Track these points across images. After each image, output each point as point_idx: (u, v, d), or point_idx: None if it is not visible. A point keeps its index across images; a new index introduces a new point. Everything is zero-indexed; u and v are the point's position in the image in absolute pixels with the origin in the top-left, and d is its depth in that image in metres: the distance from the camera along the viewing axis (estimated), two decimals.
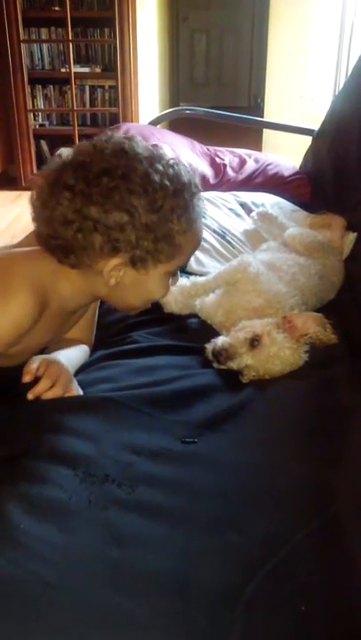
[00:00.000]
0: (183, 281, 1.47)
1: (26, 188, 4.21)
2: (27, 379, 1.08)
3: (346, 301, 1.57)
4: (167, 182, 0.99)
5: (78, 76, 4.36)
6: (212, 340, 1.26)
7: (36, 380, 1.07)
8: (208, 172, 2.41)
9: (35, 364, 1.09)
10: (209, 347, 1.25)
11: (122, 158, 0.98)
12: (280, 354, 1.20)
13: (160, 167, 1.00)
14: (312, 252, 1.64)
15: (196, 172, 1.11)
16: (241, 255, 1.57)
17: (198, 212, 1.06)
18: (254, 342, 1.21)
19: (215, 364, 1.24)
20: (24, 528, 0.80)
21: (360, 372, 1.23)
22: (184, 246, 1.05)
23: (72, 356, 1.19)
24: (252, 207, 2.08)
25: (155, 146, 1.05)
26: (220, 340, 1.24)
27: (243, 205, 2.10)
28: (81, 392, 1.10)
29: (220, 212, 2.02)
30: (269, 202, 2.12)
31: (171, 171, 1.01)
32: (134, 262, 1.02)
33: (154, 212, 0.98)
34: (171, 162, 1.03)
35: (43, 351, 1.18)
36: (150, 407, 1.07)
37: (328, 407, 1.12)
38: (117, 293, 1.09)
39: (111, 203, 0.96)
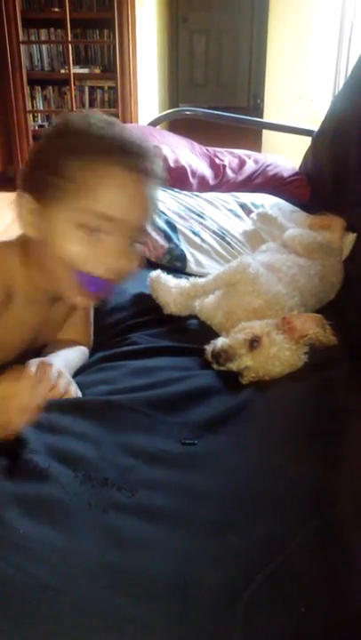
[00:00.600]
0: (183, 282, 1.47)
1: None
2: None
3: (345, 302, 1.57)
4: (86, 127, 0.99)
5: (78, 76, 4.36)
6: (212, 341, 1.26)
7: None
8: (207, 172, 2.41)
9: (32, 367, 1.09)
10: (208, 348, 1.25)
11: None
12: (280, 355, 1.20)
13: (92, 119, 1.00)
14: (312, 253, 1.64)
15: (147, 143, 1.06)
16: (240, 256, 1.57)
17: (111, 159, 0.98)
18: (254, 343, 1.21)
19: (215, 366, 1.23)
20: (23, 532, 0.80)
21: (359, 373, 1.22)
22: (81, 185, 0.97)
23: (69, 358, 1.19)
24: (252, 208, 2.09)
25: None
26: (220, 342, 1.24)
27: (242, 206, 2.10)
28: (80, 394, 1.10)
29: (220, 213, 2.02)
30: (269, 203, 2.12)
31: (104, 126, 1.00)
32: (37, 200, 1.00)
33: (48, 146, 1.00)
34: (109, 120, 1.02)
35: (39, 354, 1.17)
36: (150, 409, 1.07)
37: (328, 409, 1.12)
38: (45, 263, 1.04)
39: (31, 151, 1.04)
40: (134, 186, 0.99)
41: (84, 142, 0.97)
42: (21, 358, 1.17)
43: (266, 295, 1.38)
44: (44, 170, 0.98)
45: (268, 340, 1.21)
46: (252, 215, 2.00)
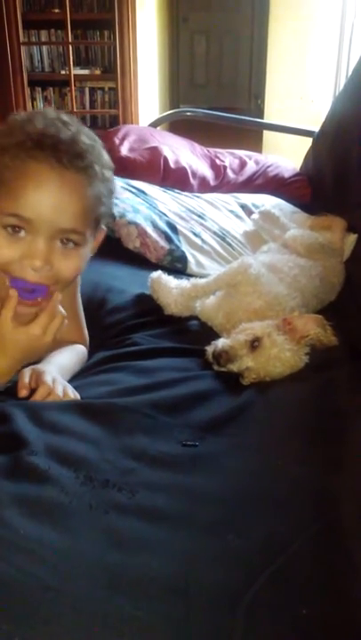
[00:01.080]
0: (183, 282, 1.47)
1: None
2: (23, 393, 1.07)
3: (346, 303, 1.57)
4: (24, 125, 0.96)
5: (78, 78, 4.36)
6: (213, 342, 1.26)
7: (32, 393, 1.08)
8: (208, 173, 2.41)
9: (26, 377, 1.09)
10: (209, 349, 1.25)
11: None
12: (280, 356, 1.20)
13: (36, 118, 0.97)
14: (313, 254, 1.63)
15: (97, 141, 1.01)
16: (241, 257, 1.57)
17: (43, 160, 0.93)
18: (254, 344, 1.21)
19: (215, 367, 1.23)
20: (24, 533, 0.80)
21: (360, 375, 1.22)
22: (5, 183, 0.94)
23: (63, 362, 1.18)
24: (253, 209, 2.09)
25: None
26: (221, 343, 1.24)
27: (243, 207, 2.10)
28: (78, 396, 1.11)
29: (221, 214, 2.02)
30: (270, 203, 2.12)
31: (42, 124, 0.96)
32: None
33: None
34: (61, 120, 0.97)
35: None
36: (151, 410, 1.07)
37: (329, 410, 1.12)
38: None
39: None
40: (58, 183, 0.93)
41: (12, 140, 0.93)
42: None
43: (267, 296, 1.38)
44: None
45: (268, 340, 1.21)
46: (254, 215, 2.00)
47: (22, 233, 0.95)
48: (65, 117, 0.98)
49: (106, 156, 1.02)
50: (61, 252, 0.98)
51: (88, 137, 0.98)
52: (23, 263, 0.96)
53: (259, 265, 1.46)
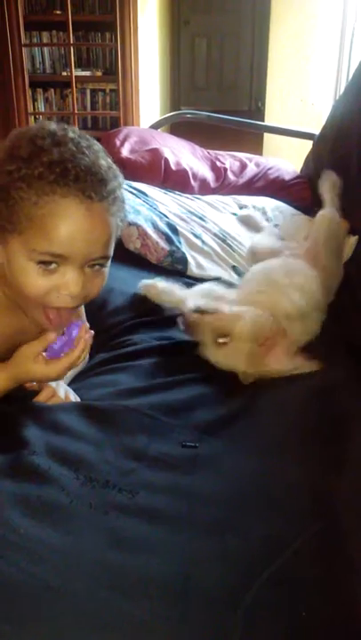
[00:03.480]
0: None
1: None
2: (33, 386, 1.11)
3: (346, 304, 1.57)
4: (37, 152, 0.93)
5: (79, 79, 4.36)
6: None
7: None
8: (209, 175, 2.41)
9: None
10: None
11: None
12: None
13: (46, 141, 0.94)
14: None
15: (115, 170, 1.00)
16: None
17: (69, 196, 0.93)
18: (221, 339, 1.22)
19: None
20: (24, 533, 0.80)
21: (359, 376, 1.23)
22: (34, 220, 0.93)
23: None
24: (253, 211, 2.09)
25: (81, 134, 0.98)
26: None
27: (244, 209, 2.11)
28: (78, 399, 1.11)
29: (221, 216, 2.02)
30: (270, 206, 2.13)
31: (55, 150, 0.93)
32: None
33: (4, 172, 0.93)
34: (81, 145, 0.95)
35: None
36: (151, 411, 1.07)
37: (328, 411, 1.12)
38: (11, 283, 1.02)
39: None
40: (87, 216, 0.94)
41: (31, 170, 0.91)
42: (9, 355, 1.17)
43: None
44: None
45: (237, 341, 1.22)
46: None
47: (53, 265, 0.96)
48: (71, 134, 0.96)
49: (119, 173, 1.02)
50: (91, 274, 1.00)
51: (104, 158, 0.98)
52: (60, 293, 0.98)
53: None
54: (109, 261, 1.04)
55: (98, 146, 0.99)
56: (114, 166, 1.00)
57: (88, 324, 1.06)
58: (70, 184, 0.92)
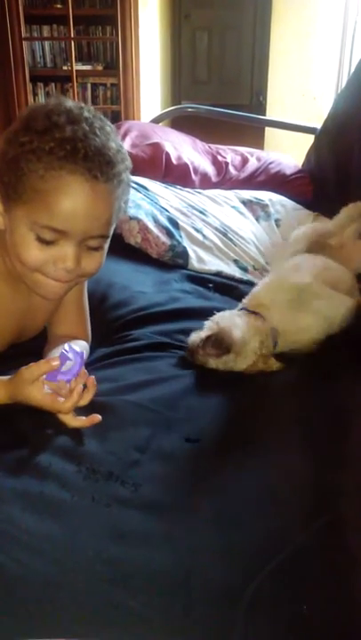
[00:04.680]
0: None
1: None
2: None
3: None
4: (51, 127, 0.94)
5: (80, 73, 4.35)
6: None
7: None
8: (210, 170, 2.41)
9: None
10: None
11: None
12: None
13: (61, 118, 0.95)
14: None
15: (125, 155, 1.01)
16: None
17: (78, 171, 0.93)
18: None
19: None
20: (25, 527, 0.80)
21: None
22: (39, 193, 0.94)
23: None
24: (255, 203, 2.09)
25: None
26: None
27: (245, 203, 2.10)
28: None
29: (222, 210, 2.02)
30: (272, 200, 2.12)
31: (69, 128, 0.94)
32: (2, 195, 0.99)
33: (19, 145, 0.94)
34: (93, 120, 0.97)
35: (30, 348, 1.18)
36: (154, 405, 1.07)
37: (331, 406, 1.12)
38: (11, 254, 1.03)
39: (1, 139, 0.98)
40: (91, 195, 0.95)
41: (43, 144, 0.93)
42: (13, 350, 1.17)
43: None
44: (7, 167, 0.96)
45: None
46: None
47: (58, 241, 0.98)
48: (86, 113, 0.98)
49: (127, 157, 1.03)
50: (88, 252, 1.02)
51: (114, 141, 0.99)
52: (57, 265, 1.00)
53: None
54: (108, 242, 1.05)
55: (110, 127, 1.00)
56: (123, 150, 1.01)
57: (87, 372, 1.03)
58: (79, 162, 0.93)
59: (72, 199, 0.94)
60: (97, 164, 0.94)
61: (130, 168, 1.04)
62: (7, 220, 1.01)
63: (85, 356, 1.26)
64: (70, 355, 0.99)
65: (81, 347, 1.25)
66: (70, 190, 0.94)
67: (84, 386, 1.00)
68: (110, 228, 1.03)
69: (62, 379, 0.99)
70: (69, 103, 0.98)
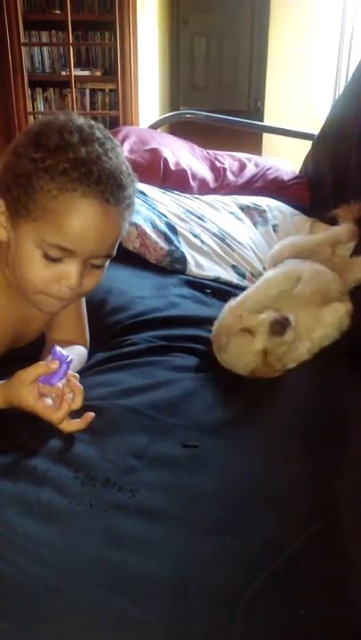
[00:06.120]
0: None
1: None
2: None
3: None
4: (64, 146, 0.95)
5: (78, 79, 4.37)
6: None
7: None
8: (208, 175, 2.41)
9: None
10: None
11: (48, 124, 0.99)
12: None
13: (74, 137, 0.96)
14: None
15: (133, 176, 1.04)
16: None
17: (90, 193, 0.95)
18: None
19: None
20: (23, 532, 0.80)
21: (358, 376, 1.22)
22: (50, 212, 0.95)
23: None
24: (253, 209, 2.09)
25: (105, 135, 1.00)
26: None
27: (243, 209, 2.11)
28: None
29: (220, 216, 2.02)
30: (270, 206, 2.13)
31: (82, 149, 0.95)
32: (9, 209, 0.99)
33: (30, 162, 0.94)
34: (103, 144, 0.97)
35: (26, 355, 1.18)
36: (152, 411, 1.07)
37: (329, 411, 1.12)
38: (12, 264, 1.04)
39: (14, 145, 0.98)
40: (102, 218, 0.97)
41: (56, 163, 0.93)
42: (9, 356, 1.17)
43: None
44: (17, 182, 0.96)
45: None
46: None
47: (64, 260, 1.00)
48: (98, 133, 0.99)
49: (135, 179, 1.05)
50: (90, 270, 1.04)
51: (124, 163, 1.01)
52: (61, 283, 1.01)
53: None
54: (108, 261, 1.07)
55: (120, 148, 1.02)
56: (132, 172, 1.03)
57: (78, 376, 1.04)
58: (92, 185, 0.94)
59: (83, 221, 0.96)
60: (109, 188, 0.96)
61: (137, 191, 1.06)
62: (12, 233, 1.01)
63: (84, 361, 1.27)
64: (58, 353, 1.00)
65: (80, 353, 1.26)
66: (82, 212, 0.95)
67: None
68: (115, 248, 1.05)
69: (51, 382, 0.99)
70: (80, 120, 1.00)
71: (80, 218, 0.95)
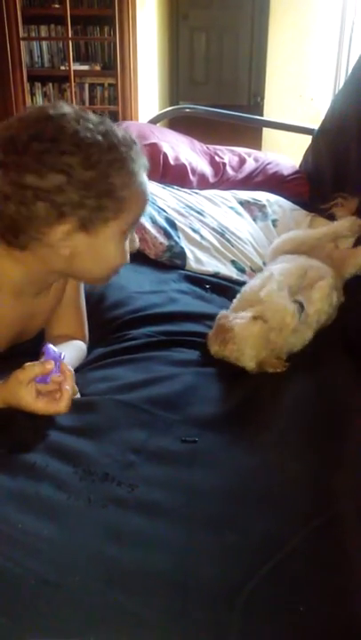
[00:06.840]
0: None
1: None
2: None
3: (345, 302, 1.57)
4: (99, 137, 0.98)
5: (78, 73, 4.35)
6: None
7: None
8: (208, 170, 2.41)
9: None
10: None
11: (48, 121, 0.98)
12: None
13: (90, 125, 0.99)
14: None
15: (128, 129, 1.11)
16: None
17: (139, 164, 1.04)
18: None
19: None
20: (22, 527, 0.80)
21: (358, 372, 1.22)
22: (129, 200, 1.02)
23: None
24: (253, 203, 2.09)
25: (82, 108, 1.03)
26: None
27: (242, 203, 2.10)
28: (78, 395, 1.11)
29: (220, 211, 2.02)
30: (270, 200, 2.12)
31: (101, 127, 1.00)
32: (83, 225, 1.00)
33: (90, 167, 0.96)
34: (99, 119, 1.02)
35: (28, 349, 1.18)
36: (151, 406, 1.07)
37: (328, 407, 1.12)
38: (77, 265, 1.07)
39: (45, 166, 0.95)
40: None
41: (104, 156, 0.97)
42: (9, 351, 1.17)
43: None
44: (88, 191, 0.97)
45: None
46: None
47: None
48: (92, 116, 1.02)
49: None
50: None
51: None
52: (128, 252, 1.11)
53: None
54: None
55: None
56: None
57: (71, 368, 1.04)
58: (132, 163, 1.02)
59: (146, 190, 1.07)
60: (141, 160, 1.06)
61: None
62: (85, 242, 1.02)
63: (83, 356, 1.26)
64: (51, 352, 0.99)
65: (79, 348, 1.26)
66: (144, 183, 1.06)
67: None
68: None
69: (47, 380, 0.99)
70: (65, 106, 1.01)
71: (145, 187, 1.06)
